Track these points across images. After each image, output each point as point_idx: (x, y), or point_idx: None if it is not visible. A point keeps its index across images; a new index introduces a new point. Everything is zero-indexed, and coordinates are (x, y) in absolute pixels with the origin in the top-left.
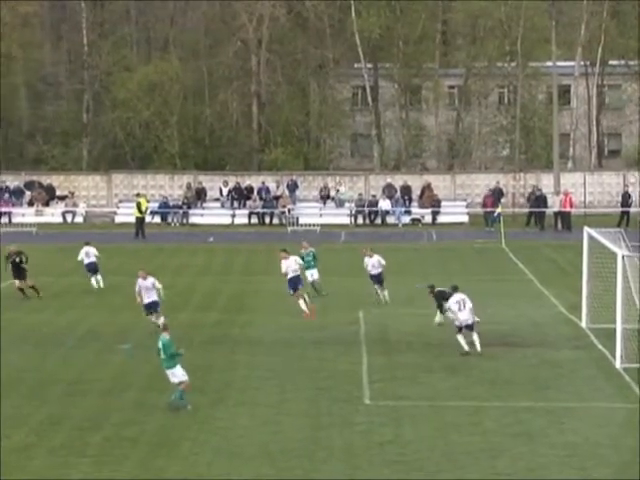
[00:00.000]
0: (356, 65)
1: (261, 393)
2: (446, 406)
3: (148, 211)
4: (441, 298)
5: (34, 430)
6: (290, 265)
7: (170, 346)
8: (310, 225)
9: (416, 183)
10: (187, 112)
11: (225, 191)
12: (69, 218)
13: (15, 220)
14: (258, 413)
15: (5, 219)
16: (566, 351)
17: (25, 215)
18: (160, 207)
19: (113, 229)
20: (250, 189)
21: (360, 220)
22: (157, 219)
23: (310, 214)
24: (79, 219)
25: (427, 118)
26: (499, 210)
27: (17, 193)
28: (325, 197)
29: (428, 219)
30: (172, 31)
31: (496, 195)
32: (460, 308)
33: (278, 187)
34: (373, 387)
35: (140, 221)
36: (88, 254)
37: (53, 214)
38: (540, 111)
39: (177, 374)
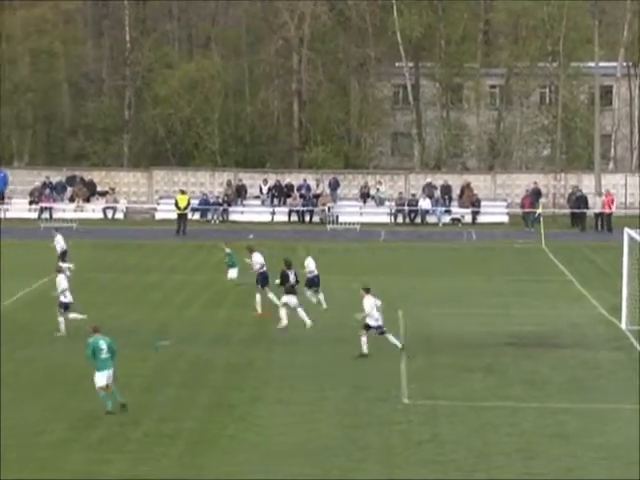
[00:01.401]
0: (397, 64)
1: (299, 391)
2: (484, 406)
3: (189, 208)
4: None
5: (74, 425)
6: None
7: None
8: (350, 224)
9: (456, 182)
10: (228, 109)
11: (265, 189)
12: (110, 214)
13: (56, 215)
14: (296, 411)
15: (46, 214)
16: (605, 352)
17: (66, 211)
18: (200, 204)
19: (153, 225)
20: (290, 187)
21: (400, 219)
22: (197, 216)
23: (350, 212)
24: (119, 215)
25: (468, 117)
26: (539, 210)
27: (59, 189)
28: (365, 196)
29: (468, 219)
30: (213, 28)
31: (534, 196)
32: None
33: (318, 185)
34: (411, 386)
35: (181, 218)
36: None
37: (94, 210)
38: (581, 111)
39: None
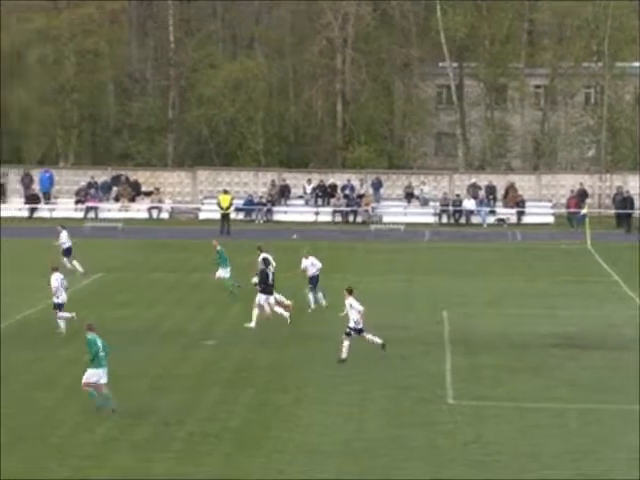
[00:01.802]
0: (441, 64)
1: (343, 391)
2: (529, 407)
3: (232, 208)
4: None
5: (118, 424)
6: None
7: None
8: (394, 224)
9: (501, 183)
10: (272, 109)
11: (309, 189)
12: (154, 214)
13: (101, 215)
14: (340, 411)
15: (92, 214)
16: None
17: (111, 210)
18: (244, 204)
19: (197, 225)
20: (334, 187)
21: (444, 219)
22: (241, 216)
23: (394, 212)
24: (164, 215)
25: (512, 117)
26: (584, 211)
27: (104, 188)
28: (409, 196)
29: (513, 219)
30: (257, 28)
31: (580, 196)
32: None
33: (362, 185)
34: (456, 387)
35: (224, 218)
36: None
37: (139, 210)
38: (627, 112)
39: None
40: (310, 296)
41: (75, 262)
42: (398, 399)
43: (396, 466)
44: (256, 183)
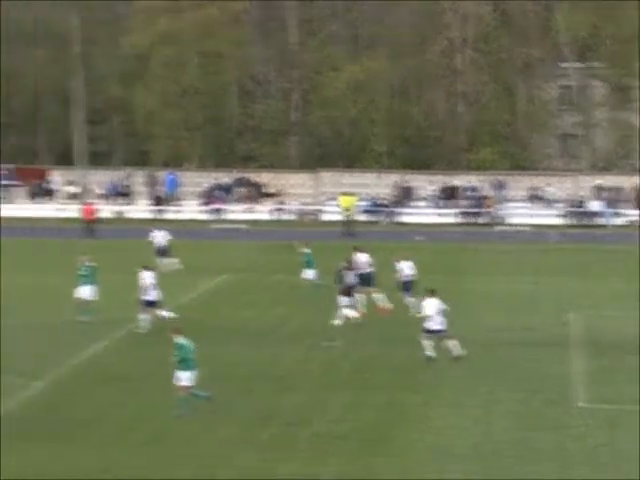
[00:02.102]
0: (563, 64)
1: (471, 393)
2: None
3: (354, 209)
4: None
5: (244, 424)
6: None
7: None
8: (519, 225)
9: (626, 184)
10: (394, 111)
11: (432, 190)
12: (277, 215)
13: (225, 217)
14: (469, 413)
15: (217, 215)
16: None
17: (235, 212)
18: (368, 206)
19: (320, 227)
20: (457, 188)
21: (570, 221)
22: (365, 217)
23: (518, 214)
24: (287, 216)
25: (637, 118)
26: None
27: (228, 190)
28: (534, 197)
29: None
30: (379, 29)
31: None
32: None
33: (485, 187)
34: (586, 390)
35: (347, 219)
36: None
37: (262, 211)
38: None
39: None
40: (409, 299)
41: (168, 260)
42: (526, 401)
43: (525, 469)
44: (379, 185)
